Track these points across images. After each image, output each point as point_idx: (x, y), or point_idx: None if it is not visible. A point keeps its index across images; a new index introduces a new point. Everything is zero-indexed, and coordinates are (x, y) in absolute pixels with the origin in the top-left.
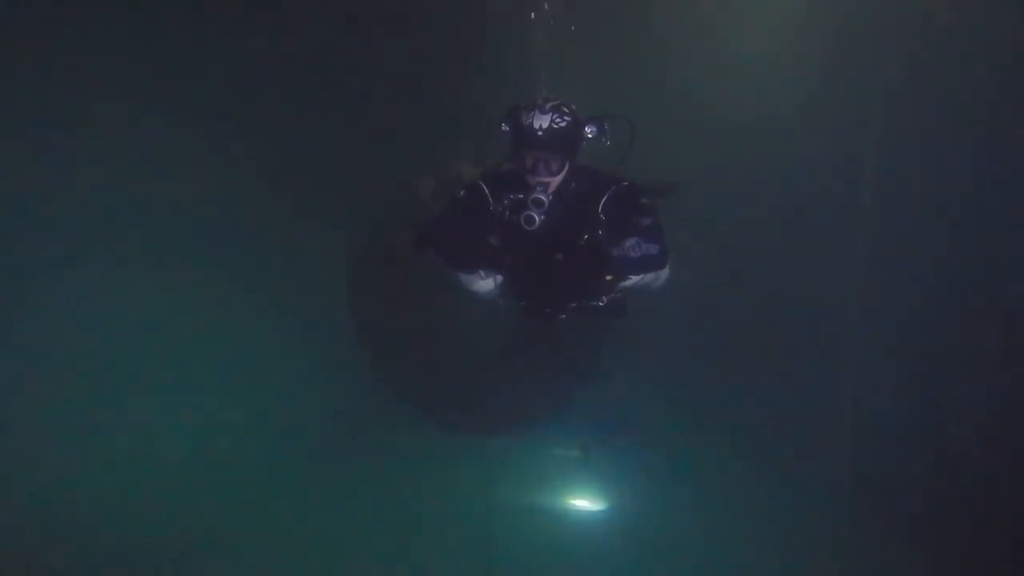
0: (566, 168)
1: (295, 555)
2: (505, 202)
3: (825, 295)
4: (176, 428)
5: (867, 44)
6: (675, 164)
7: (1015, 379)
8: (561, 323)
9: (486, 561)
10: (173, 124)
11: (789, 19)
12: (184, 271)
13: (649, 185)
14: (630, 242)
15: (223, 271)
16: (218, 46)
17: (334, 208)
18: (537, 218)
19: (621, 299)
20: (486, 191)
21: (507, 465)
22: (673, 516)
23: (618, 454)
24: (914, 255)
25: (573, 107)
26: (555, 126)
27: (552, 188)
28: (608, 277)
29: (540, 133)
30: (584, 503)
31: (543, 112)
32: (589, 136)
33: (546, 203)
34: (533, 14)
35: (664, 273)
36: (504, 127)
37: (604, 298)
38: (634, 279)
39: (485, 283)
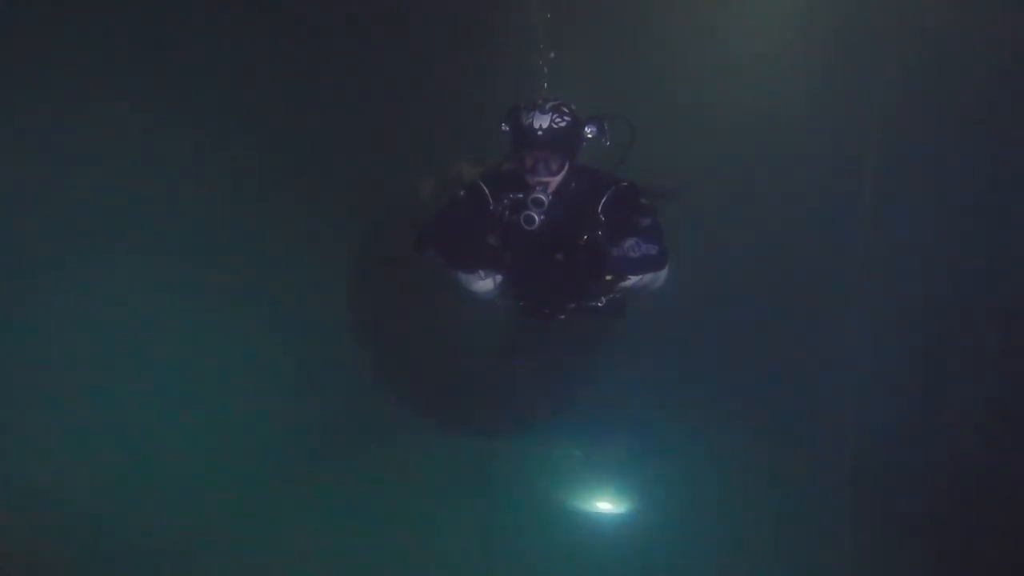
0: (566, 168)
1: (295, 555)
2: (505, 202)
3: (825, 295)
4: (176, 428)
5: (867, 44)
6: (675, 164)
7: (1015, 379)
8: (560, 323)
9: (486, 561)
10: (173, 124)
11: (789, 19)
12: (184, 271)
13: (650, 189)
14: (630, 242)
15: (223, 271)
16: (218, 46)
17: (334, 208)
18: (537, 218)
19: (620, 299)
20: (486, 191)
21: (507, 465)
22: (673, 516)
23: (617, 454)
24: (914, 255)
25: (573, 107)
26: (555, 126)
27: (552, 188)
28: (608, 277)
29: (540, 133)
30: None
31: (543, 112)
32: (589, 136)
33: (546, 203)
34: (534, 15)
35: (663, 274)
36: (504, 127)
37: (603, 298)
38: (633, 279)
39: (485, 283)
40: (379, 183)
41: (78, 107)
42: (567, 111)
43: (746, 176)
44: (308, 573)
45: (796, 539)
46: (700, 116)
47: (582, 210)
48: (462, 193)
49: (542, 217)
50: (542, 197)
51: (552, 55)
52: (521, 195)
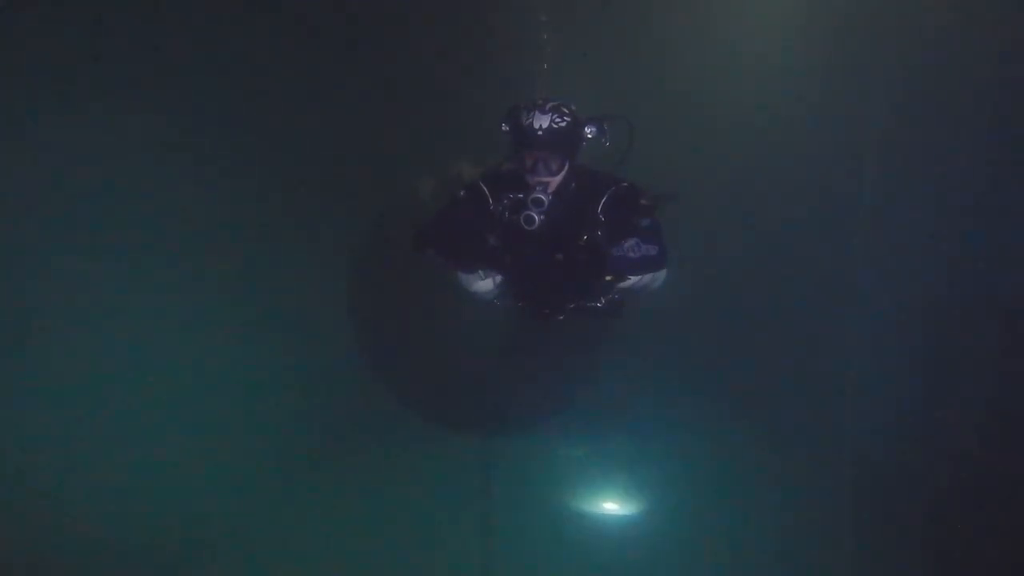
0: (566, 168)
1: (295, 555)
2: (505, 202)
3: (825, 295)
4: (176, 428)
5: (867, 44)
6: (674, 164)
7: (1015, 379)
8: (560, 323)
9: (486, 561)
10: (173, 124)
11: (789, 19)
12: (184, 271)
13: (650, 191)
14: (629, 243)
15: (223, 271)
16: (218, 46)
17: (334, 208)
18: (537, 218)
19: (619, 300)
20: (486, 191)
21: (507, 465)
22: (672, 515)
23: (617, 454)
24: (914, 255)
25: (573, 107)
26: (555, 126)
27: (552, 188)
28: (607, 277)
29: (540, 133)
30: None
31: (543, 112)
32: (589, 136)
33: (546, 203)
34: (535, 15)
35: (663, 274)
36: (504, 127)
37: (602, 299)
38: (633, 280)
39: (484, 283)
40: (379, 183)
41: (78, 107)
42: (567, 111)
43: (746, 176)
44: (308, 573)
45: (796, 539)
46: (700, 116)
47: (582, 210)
48: (462, 193)
49: (542, 217)
50: (542, 197)
51: (552, 56)
52: (521, 195)
